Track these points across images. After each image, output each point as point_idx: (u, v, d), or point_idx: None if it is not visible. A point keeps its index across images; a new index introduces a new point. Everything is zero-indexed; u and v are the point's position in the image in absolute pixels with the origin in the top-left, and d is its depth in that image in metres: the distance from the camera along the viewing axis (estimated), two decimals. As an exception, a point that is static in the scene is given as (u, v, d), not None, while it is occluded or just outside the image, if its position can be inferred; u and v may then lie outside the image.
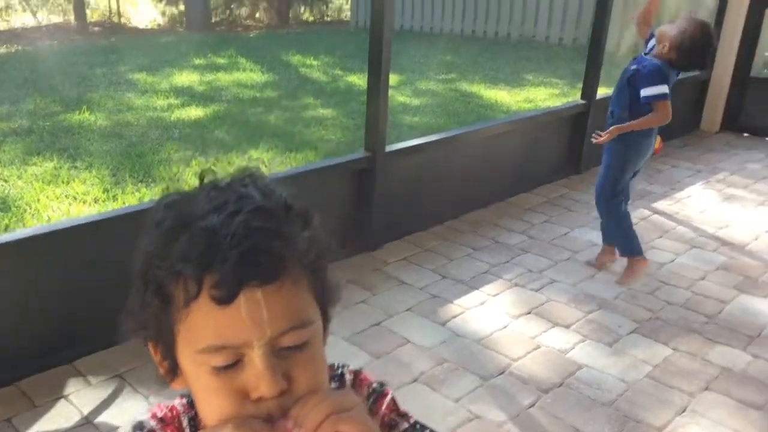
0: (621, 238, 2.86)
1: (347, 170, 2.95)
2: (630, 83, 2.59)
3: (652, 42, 2.69)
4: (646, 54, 2.69)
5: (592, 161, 4.37)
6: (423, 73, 7.40)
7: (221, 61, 7.31)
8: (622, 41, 8.59)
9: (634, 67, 2.60)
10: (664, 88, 2.50)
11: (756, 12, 5.07)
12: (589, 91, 4.19)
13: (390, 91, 6.55)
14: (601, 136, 2.68)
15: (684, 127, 5.26)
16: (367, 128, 3.00)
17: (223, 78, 6.48)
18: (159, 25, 12.00)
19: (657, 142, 4.75)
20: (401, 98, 6.22)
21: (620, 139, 2.67)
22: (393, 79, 6.88)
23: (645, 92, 2.52)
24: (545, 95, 6.47)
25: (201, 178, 0.64)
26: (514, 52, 8.69)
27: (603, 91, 5.96)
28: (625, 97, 2.62)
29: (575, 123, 4.20)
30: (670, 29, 2.56)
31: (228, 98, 5.71)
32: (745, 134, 5.23)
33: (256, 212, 0.58)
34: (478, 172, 3.65)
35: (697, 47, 2.52)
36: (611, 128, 2.65)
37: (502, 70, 7.61)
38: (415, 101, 6.12)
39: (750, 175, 4.36)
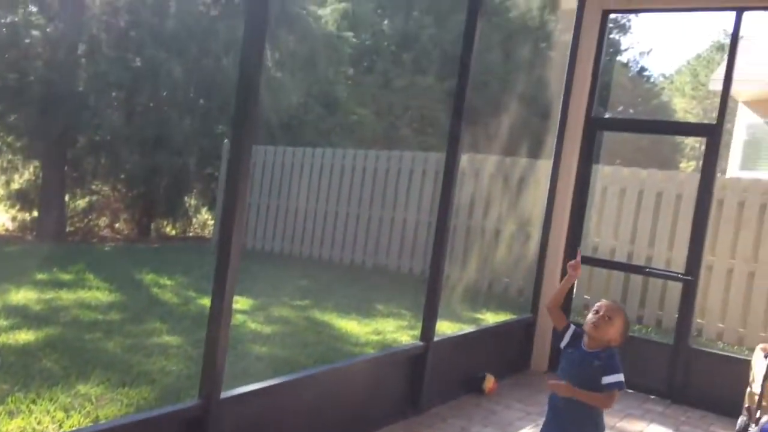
0: None
1: (176, 421, 2.83)
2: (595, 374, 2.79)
3: (570, 331, 2.95)
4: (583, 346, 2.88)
5: (431, 402, 4.52)
6: (278, 297, 7.52)
7: (67, 277, 7.05)
8: (464, 275, 9.38)
9: (597, 363, 2.79)
10: (622, 377, 2.78)
11: (571, 252, 5.81)
12: (427, 334, 4.45)
13: (242, 317, 6.59)
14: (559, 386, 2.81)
15: (515, 367, 5.64)
16: (204, 372, 2.94)
17: (66, 297, 6.20)
18: (8, 230, 11.53)
19: (491, 382, 5.06)
20: (253, 325, 6.22)
21: (593, 423, 2.85)
22: (246, 303, 6.97)
23: (611, 379, 2.75)
24: (393, 327, 6.74)
25: None
26: (367, 280, 9.15)
27: (446, 328, 6.36)
28: (594, 384, 2.78)
29: (415, 364, 4.39)
30: (616, 327, 2.83)
31: (66, 321, 5.43)
32: (571, 374, 5.66)
33: None
34: (320, 414, 3.63)
35: (629, 330, 2.93)
36: (564, 384, 2.79)
37: (354, 298, 7.92)
38: (267, 329, 6.14)
39: (574, 418, 4.65)
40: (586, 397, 2.77)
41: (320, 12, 12.77)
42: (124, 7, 10.68)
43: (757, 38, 13.49)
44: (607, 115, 22.45)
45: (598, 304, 2.91)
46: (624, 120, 7.73)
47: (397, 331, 6.62)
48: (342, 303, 7.59)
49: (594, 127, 5.75)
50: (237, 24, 10.26)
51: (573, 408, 2.80)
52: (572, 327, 2.97)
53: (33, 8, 10.75)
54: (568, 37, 5.70)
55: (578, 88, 5.64)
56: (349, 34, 13.09)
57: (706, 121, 5.27)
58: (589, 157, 5.78)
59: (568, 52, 5.61)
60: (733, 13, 5.09)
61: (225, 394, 3.00)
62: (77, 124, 10.66)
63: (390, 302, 7.90)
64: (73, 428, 3.46)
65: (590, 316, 2.87)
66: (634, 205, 8.36)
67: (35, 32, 10.37)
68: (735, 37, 5.11)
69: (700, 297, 7.86)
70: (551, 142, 5.88)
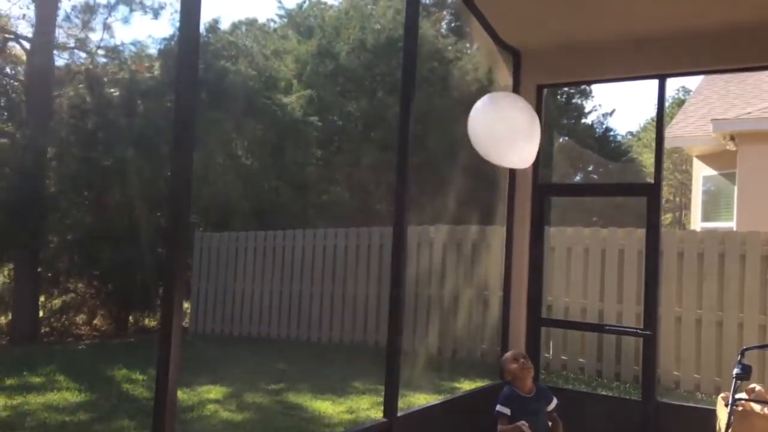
0: None
1: None
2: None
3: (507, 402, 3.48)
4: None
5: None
6: (253, 383, 7.49)
7: (37, 379, 7.01)
8: (423, 345, 9.42)
9: (542, 399, 3.43)
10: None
11: (533, 330, 5.90)
12: (390, 410, 4.47)
13: (215, 406, 6.55)
14: None
15: (489, 435, 5.62)
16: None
17: (34, 400, 6.16)
18: (-18, 335, 11.43)
19: None
20: (225, 414, 6.19)
21: None
22: (220, 392, 6.94)
23: (555, 403, 3.47)
24: (368, 404, 6.72)
25: None
26: (345, 358, 9.14)
27: (423, 400, 6.36)
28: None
29: (380, 442, 4.38)
30: None
31: (32, 425, 5.39)
32: None
33: None
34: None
35: None
36: None
37: (330, 377, 7.90)
38: (239, 417, 6.11)
39: None
40: None
41: (285, 100, 13.23)
42: (92, 110, 11.03)
43: (704, 95, 14.15)
44: (577, 178, 22.94)
45: (514, 353, 3.53)
46: (569, 185, 8.15)
47: (371, 408, 6.60)
48: (318, 383, 7.56)
49: (542, 193, 5.97)
50: (202, 119, 10.62)
51: None
52: (504, 400, 3.35)
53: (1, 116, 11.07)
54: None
55: (522, 157, 5.89)
56: (315, 118, 13.52)
57: (650, 181, 5.52)
58: (540, 221, 5.97)
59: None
60: (656, 81, 5.42)
61: (177, 487, 3.01)
62: (49, 225, 10.78)
63: (367, 378, 7.88)
64: None
65: (517, 366, 3.42)
66: (599, 264, 8.54)
67: (3, 140, 10.66)
68: (661, 102, 5.40)
69: (673, 349, 7.97)
70: (502, 209, 6.09)
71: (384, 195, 16.09)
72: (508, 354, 3.41)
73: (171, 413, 2.94)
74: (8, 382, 6.85)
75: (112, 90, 11.35)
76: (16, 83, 11.90)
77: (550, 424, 3.33)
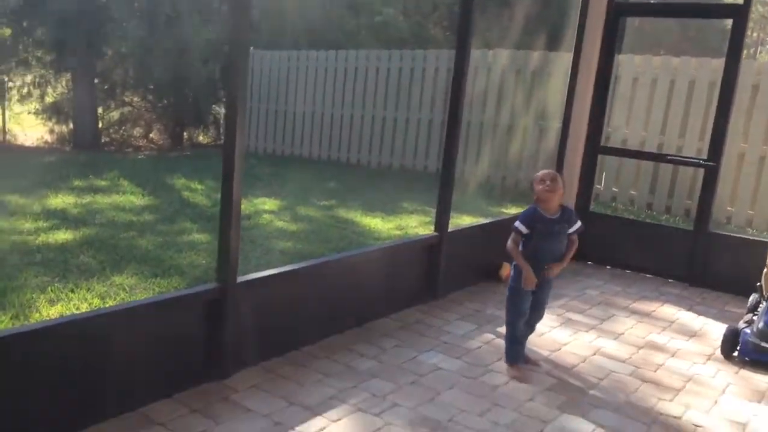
0: None
1: (197, 302, 3.04)
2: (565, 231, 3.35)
3: (526, 222, 3.39)
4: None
5: (448, 288, 4.70)
6: (305, 198, 7.73)
7: (102, 183, 7.35)
8: (473, 173, 9.42)
9: (565, 221, 3.33)
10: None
11: (590, 157, 5.79)
12: (441, 225, 4.57)
13: (270, 216, 6.82)
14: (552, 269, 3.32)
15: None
16: (219, 259, 3.12)
17: (101, 200, 6.50)
18: (47, 143, 11.91)
19: (507, 269, 5.19)
20: (280, 223, 6.46)
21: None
22: (274, 204, 7.19)
23: (576, 226, 3.36)
24: (416, 223, 6.90)
25: None
26: (394, 181, 9.27)
27: (465, 221, 6.48)
28: (564, 239, 3.35)
29: (430, 253, 4.54)
30: (562, 188, 3.36)
31: (101, 222, 5.72)
32: (589, 262, 5.78)
33: None
34: (337, 299, 3.83)
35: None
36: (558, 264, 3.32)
37: (380, 197, 8.08)
38: (293, 227, 6.37)
39: (587, 301, 4.80)
40: (568, 257, 3.35)
41: None
42: None
43: None
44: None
45: (543, 174, 3.35)
46: (647, 4, 7.31)
47: (419, 226, 6.78)
48: (367, 202, 7.75)
49: (617, 13, 5.55)
50: None
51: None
52: (524, 218, 3.33)
53: None
54: None
55: (599, -31, 5.41)
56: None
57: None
58: (611, 45, 5.61)
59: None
60: None
61: (241, 278, 3.20)
62: (102, 36, 10.70)
63: (415, 200, 8.04)
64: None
65: (542, 188, 3.28)
66: (665, 96, 8.14)
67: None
68: None
69: (731, 185, 7.80)
70: (570, 34, 5.72)
71: (439, 18, 15.30)
72: (539, 174, 3.38)
73: (236, 210, 3.06)
74: (76, 183, 7.21)
75: None
76: None
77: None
